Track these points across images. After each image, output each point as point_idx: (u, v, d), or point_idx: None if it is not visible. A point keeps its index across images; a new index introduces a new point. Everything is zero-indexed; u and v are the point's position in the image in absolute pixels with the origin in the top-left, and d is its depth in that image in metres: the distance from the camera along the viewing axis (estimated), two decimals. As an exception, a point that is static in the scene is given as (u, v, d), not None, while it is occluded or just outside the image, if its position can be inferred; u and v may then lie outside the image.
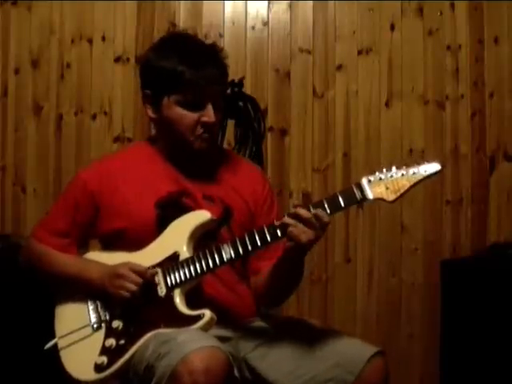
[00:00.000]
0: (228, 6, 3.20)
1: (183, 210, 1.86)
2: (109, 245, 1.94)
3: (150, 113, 1.91)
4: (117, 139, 3.17)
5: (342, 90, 3.18)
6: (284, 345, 1.83)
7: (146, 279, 1.77)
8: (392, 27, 3.18)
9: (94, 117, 3.17)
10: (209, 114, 1.85)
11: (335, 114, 3.18)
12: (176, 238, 1.82)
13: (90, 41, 3.19)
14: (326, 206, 1.70)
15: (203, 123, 1.85)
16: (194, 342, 1.60)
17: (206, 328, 1.70)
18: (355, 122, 3.17)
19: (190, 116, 1.85)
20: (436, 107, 3.16)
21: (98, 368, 1.75)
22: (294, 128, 3.18)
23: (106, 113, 3.17)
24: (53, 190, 3.15)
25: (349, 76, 3.18)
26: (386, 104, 3.17)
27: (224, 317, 1.80)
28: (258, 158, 2.86)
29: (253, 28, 3.20)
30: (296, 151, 3.17)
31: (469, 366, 2.73)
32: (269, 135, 3.11)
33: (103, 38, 3.19)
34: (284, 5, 3.20)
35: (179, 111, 1.85)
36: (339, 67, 3.18)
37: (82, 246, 2.00)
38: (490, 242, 3.09)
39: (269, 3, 3.20)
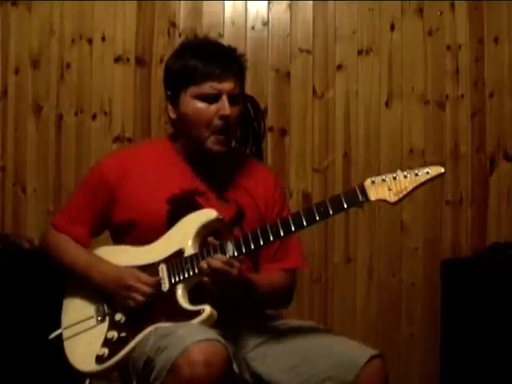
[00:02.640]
0: (228, 5, 3.20)
1: (195, 208, 1.88)
2: (118, 237, 1.95)
3: (171, 114, 1.93)
4: (117, 139, 3.17)
5: (342, 89, 3.18)
6: (283, 345, 1.83)
7: (154, 289, 1.79)
8: (392, 27, 3.18)
9: (93, 117, 3.18)
10: (223, 106, 1.86)
11: (335, 114, 3.18)
12: (182, 235, 1.84)
13: (90, 41, 3.19)
14: (328, 206, 1.70)
15: (220, 116, 1.86)
16: (193, 335, 1.61)
17: (205, 323, 1.71)
18: (355, 122, 3.17)
19: (206, 108, 1.87)
20: (436, 107, 3.16)
21: (99, 359, 1.77)
22: (293, 128, 3.18)
23: (106, 113, 3.17)
24: (53, 190, 3.15)
25: (349, 76, 3.18)
26: (386, 104, 3.17)
27: (227, 315, 1.79)
28: (258, 158, 2.85)
29: (253, 28, 3.20)
30: (296, 151, 3.18)
31: (469, 365, 2.73)
32: (269, 135, 3.11)
33: (103, 38, 3.19)
34: (284, 5, 3.20)
35: (196, 105, 1.87)
36: (339, 67, 3.18)
37: (96, 236, 2.01)
38: (489, 242, 3.09)
39: (269, 3, 3.20)
